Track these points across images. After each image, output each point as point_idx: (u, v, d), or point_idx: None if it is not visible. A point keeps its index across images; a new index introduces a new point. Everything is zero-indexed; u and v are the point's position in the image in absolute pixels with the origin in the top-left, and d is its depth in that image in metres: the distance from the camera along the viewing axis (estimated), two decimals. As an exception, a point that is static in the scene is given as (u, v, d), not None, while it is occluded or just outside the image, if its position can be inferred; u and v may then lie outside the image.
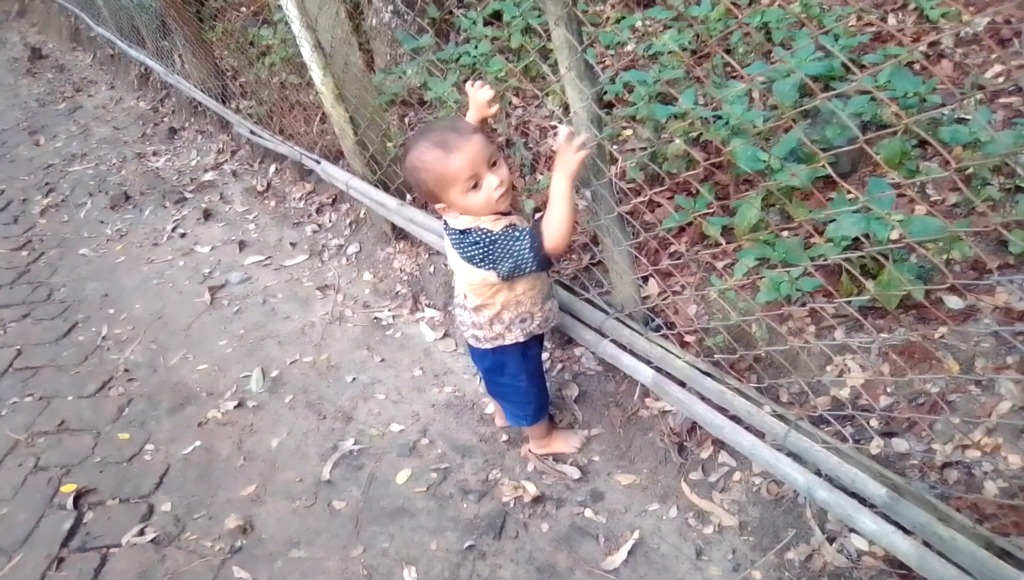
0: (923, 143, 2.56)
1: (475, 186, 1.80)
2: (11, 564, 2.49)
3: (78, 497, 2.68)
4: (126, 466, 2.79)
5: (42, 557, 2.49)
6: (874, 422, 2.08)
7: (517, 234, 1.84)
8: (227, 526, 2.46)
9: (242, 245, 4.06)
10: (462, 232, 1.88)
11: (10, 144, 6.21)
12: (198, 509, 2.56)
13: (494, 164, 1.81)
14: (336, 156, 3.86)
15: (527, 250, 1.83)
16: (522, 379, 2.23)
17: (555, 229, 1.80)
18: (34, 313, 3.86)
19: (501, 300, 2.01)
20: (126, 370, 3.30)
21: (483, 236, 1.85)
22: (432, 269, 3.32)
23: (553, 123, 3.49)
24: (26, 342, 3.63)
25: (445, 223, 1.96)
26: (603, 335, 2.43)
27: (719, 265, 2.59)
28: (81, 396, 3.20)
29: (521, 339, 2.11)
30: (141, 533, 2.51)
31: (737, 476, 2.24)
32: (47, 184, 5.35)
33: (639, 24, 3.87)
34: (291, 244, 3.97)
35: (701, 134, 2.89)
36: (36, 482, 2.80)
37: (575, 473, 2.40)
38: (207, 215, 4.43)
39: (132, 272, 4.06)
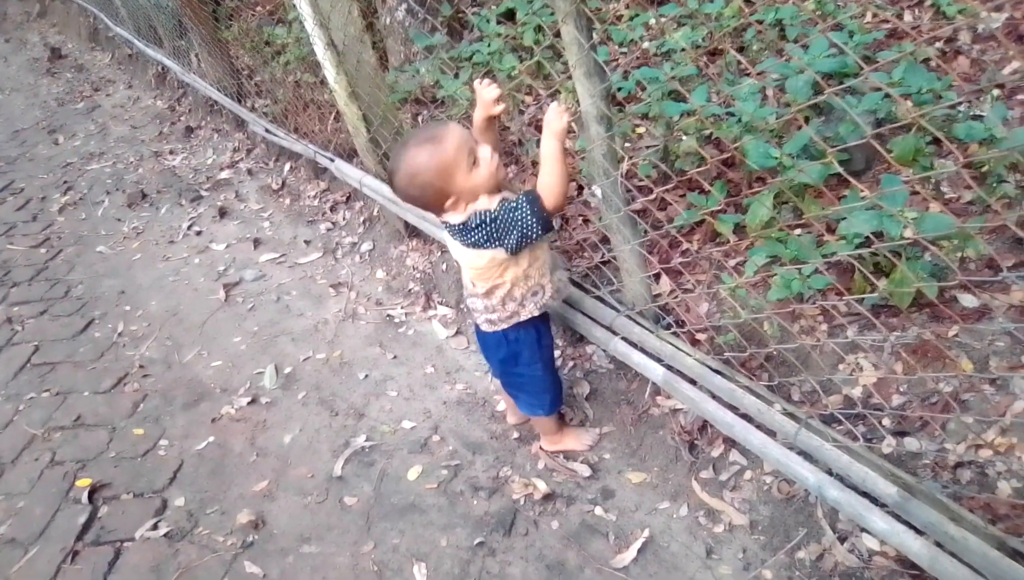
0: (938, 140, 2.54)
1: (475, 163, 1.86)
2: (27, 557, 2.52)
3: (93, 491, 2.71)
4: (140, 461, 2.81)
5: (57, 550, 2.52)
6: (886, 421, 2.07)
7: (514, 204, 1.87)
8: (239, 521, 2.47)
9: (257, 243, 4.08)
10: (462, 223, 1.91)
11: (30, 143, 6.28)
12: (211, 504, 2.58)
13: (475, 142, 1.88)
14: (350, 154, 3.88)
15: (529, 215, 1.86)
16: (537, 367, 2.23)
17: (551, 186, 1.86)
18: (52, 309, 3.90)
19: (510, 277, 2.02)
20: (141, 366, 3.33)
21: (483, 217, 1.87)
22: (444, 266, 3.33)
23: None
24: (44, 338, 3.67)
25: (445, 223, 1.99)
26: (614, 333, 2.42)
27: (730, 263, 2.58)
28: (97, 392, 3.23)
29: (536, 313, 2.12)
30: (155, 527, 2.53)
31: (748, 475, 2.23)
32: (65, 182, 5.40)
33: (652, 22, 3.86)
34: (305, 242, 3.99)
35: (713, 132, 2.88)
36: (52, 476, 2.83)
37: (586, 471, 2.39)
38: (222, 213, 4.46)
39: (148, 269, 4.09)
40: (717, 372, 2.14)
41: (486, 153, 1.88)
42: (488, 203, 1.89)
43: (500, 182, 1.94)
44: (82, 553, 2.51)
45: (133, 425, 2.99)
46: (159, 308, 3.73)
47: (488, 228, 1.87)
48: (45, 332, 3.73)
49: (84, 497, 2.69)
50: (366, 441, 2.68)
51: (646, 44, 3.76)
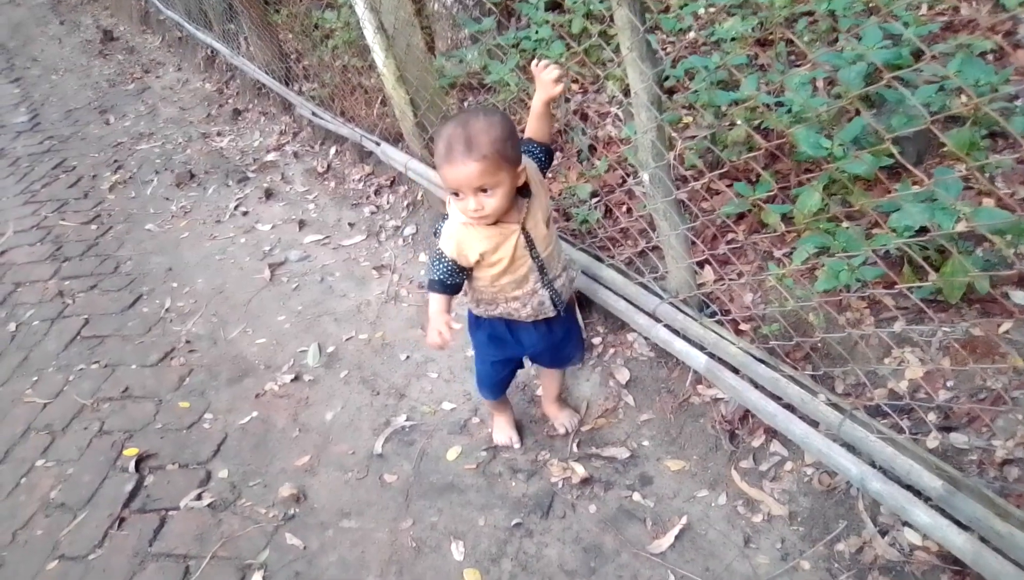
0: (992, 135, 2.50)
1: (457, 194, 1.84)
2: (76, 521, 2.59)
3: (140, 461, 2.77)
4: (186, 433, 2.87)
5: (105, 516, 2.59)
6: (932, 416, 2.05)
7: (438, 249, 2.00)
8: (281, 494, 2.52)
9: (302, 224, 4.13)
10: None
11: (81, 122, 6.40)
12: (253, 477, 2.63)
13: (484, 190, 1.79)
14: (395, 138, 3.91)
15: (431, 262, 2.03)
16: (472, 348, 2.36)
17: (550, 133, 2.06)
18: (101, 284, 3.99)
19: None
20: (188, 342, 3.39)
21: (440, 223, 2.03)
22: (487, 252, 3.34)
23: (612, 109, 3.48)
24: (93, 312, 3.75)
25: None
26: (656, 320, 2.42)
27: (777, 253, 2.56)
28: (144, 365, 3.29)
29: (474, 310, 2.19)
30: (199, 498, 2.59)
31: (788, 466, 2.22)
32: (116, 161, 5.50)
33: (702, 11, 3.83)
34: (349, 224, 4.03)
35: (763, 122, 2.86)
36: (100, 445, 2.90)
37: (624, 454, 2.40)
38: (268, 194, 4.52)
39: (195, 248, 4.16)
40: (760, 361, 2.13)
41: (467, 205, 1.82)
42: (451, 214, 1.97)
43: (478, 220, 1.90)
44: (128, 520, 2.57)
45: (179, 398, 3.05)
46: (205, 286, 3.79)
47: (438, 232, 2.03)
48: (95, 306, 3.81)
49: (131, 466, 2.75)
50: (406, 421, 2.71)
51: (692, 33, 3.73)
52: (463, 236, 1.93)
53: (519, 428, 2.58)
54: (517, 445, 2.54)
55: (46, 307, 3.86)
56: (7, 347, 3.60)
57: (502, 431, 2.56)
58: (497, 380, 2.39)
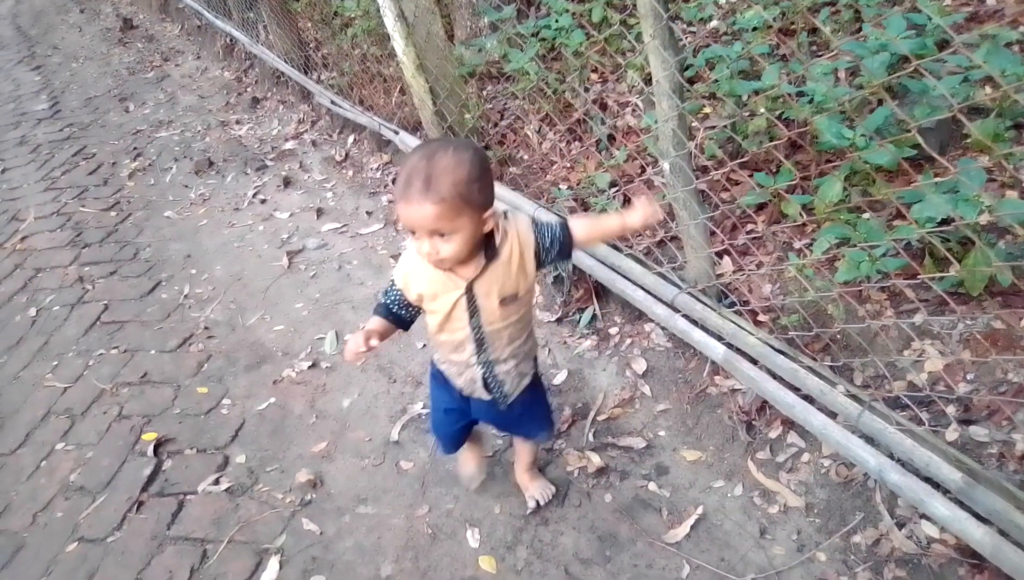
0: (1017, 126, 2.47)
1: (413, 234, 1.60)
2: (95, 504, 2.61)
3: (158, 445, 2.80)
4: (204, 418, 2.89)
5: (123, 499, 2.61)
6: (952, 409, 2.03)
7: (392, 281, 1.79)
8: (298, 480, 2.53)
9: (320, 212, 4.14)
10: None
11: (101, 110, 6.43)
12: (271, 462, 2.64)
13: (442, 236, 1.55)
14: (414, 127, 3.91)
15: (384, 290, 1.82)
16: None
17: (594, 234, 1.81)
18: (121, 270, 4.02)
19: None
20: (206, 328, 3.41)
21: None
22: (504, 241, 3.34)
23: (632, 98, 3.47)
24: (113, 297, 3.78)
25: None
26: (675, 310, 2.42)
27: (797, 244, 2.55)
28: (163, 351, 3.32)
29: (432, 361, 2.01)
30: (216, 482, 2.61)
31: (805, 457, 2.21)
32: (135, 149, 5.53)
33: (723, 1, 3.81)
34: (367, 213, 4.04)
35: (783, 112, 2.84)
36: (119, 429, 2.92)
37: (640, 443, 2.40)
38: (287, 182, 4.54)
39: (214, 235, 4.18)
40: (780, 352, 2.12)
41: (421, 247, 1.58)
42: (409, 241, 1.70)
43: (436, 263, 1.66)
44: (147, 503, 2.60)
45: (197, 384, 3.08)
46: (224, 273, 3.81)
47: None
48: (114, 292, 3.84)
49: (150, 450, 2.77)
50: (423, 408, 2.72)
51: (714, 23, 3.71)
52: (412, 269, 1.73)
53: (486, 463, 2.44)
54: (473, 485, 2.38)
55: (66, 292, 3.89)
56: (28, 332, 3.64)
57: (464, 464, 2.39)
58: (450, 432, 2.16)
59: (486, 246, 1.66)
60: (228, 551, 2.37)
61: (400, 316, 1.81)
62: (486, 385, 1.89)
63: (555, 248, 1.74)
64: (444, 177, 1.50)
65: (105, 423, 2.97)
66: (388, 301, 1.80)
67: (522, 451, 2.30)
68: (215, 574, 2.31)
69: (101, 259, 4.16)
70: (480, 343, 1.80)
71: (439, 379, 2.01)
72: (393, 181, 4.18)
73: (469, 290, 1.70)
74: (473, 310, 1.73)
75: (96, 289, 3.89)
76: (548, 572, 2.12)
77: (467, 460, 2.37)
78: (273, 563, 2.29)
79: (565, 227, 1.75)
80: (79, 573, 2.39)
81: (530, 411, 2.07)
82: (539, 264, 1.76)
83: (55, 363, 3.37)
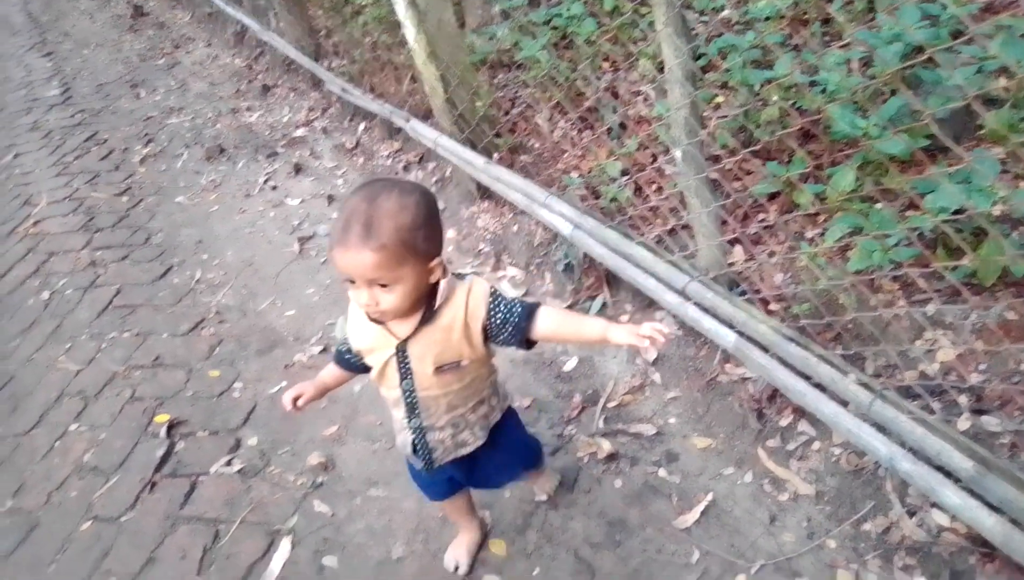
0: (1033, 117, 2.46)
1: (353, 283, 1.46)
2: (108, 485, 2.64)
3: (171, 427, 2.82)
4: (216, 401, 2.91)
5: (136, 480, 2.64)
6: (964, 398, 2.04)
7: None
8: (309, 462, 2.55)
9: (331, 199, 4.15)
10: None
11: (113, 96, 6.45)
12: (282, 445, 2.66)
13: (383, 286, 1.44)
14: (425, 115, 3.91)
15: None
16: None
17: (554, 331, 1.64)
18: (133, 255, 4.04)
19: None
20: (218, 312, 3.43)
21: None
22: (516, 228, 3.35)
23: (644, 87, 3.47)
24: (125, 282, 3.81)
25: None
26: (686, 298, 2.42)
27: (809, 233, 2.55)
28: (175, 334, 3.34)
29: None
30: (228, 464, 2.63)
31: (816, 446, 2.22)
32: (146, 135, 5.55)
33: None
34: (377, 200, 4.04)
35: (796, 101, 2.84)
36: (132, 411, 2.95)
37: (650, 430, 2.41)
38: (297, 169, 4.55)
39: (225, 221, 4.20)
40: (791, 340, 2.12)
41: (359, 297, 1.46)
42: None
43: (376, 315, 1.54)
44: (160, 484, 2.62)
45: (209, 367, 3.10)
46: (235, 258, 3.83)
47: None
48: (126, 276, 3.86)
49: (162, 432, 2.80)
50: (433, 394, 2.73)
51: (727, 11, 3.70)
52: (353, 317, 1.65)
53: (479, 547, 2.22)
54: (462, 571, 2.13)
55: (79, 276, 3.92)
56: (41, 315, 3.67)
57: (452, 548, 2.17)
58: (426, 483, 2.01)
59: (427, 305, 1.55)
60: (240, 531, 2.39)
61: (350, 363, 1.73)
62: (415, 450, 1.76)
63: (507, 330, 1.60)
64: (386, 222, 1.39)
65: (118, 405, 3.00)
66: (343, 349, 1.72)
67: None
68: (227, 553, 2.34)
69: (113, 244, 4.18)
70: (412, 407, 1.68)
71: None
72: (404, 169, 4.19)
73: (401, 350, 1.59)
74: (405, 372, 1.62)
75: (108, 273, 3.91)
76: (558, 556, 2.14)
77: (457, 542, 2.18)
78: (285, 544, 2.31)
79: (530, 314, 1.60)
80: (93, 551, 2.42)
81: (504, 464, 1.97)
82: (487, 339, 1.63)
83: (68, 346, 3.40)
